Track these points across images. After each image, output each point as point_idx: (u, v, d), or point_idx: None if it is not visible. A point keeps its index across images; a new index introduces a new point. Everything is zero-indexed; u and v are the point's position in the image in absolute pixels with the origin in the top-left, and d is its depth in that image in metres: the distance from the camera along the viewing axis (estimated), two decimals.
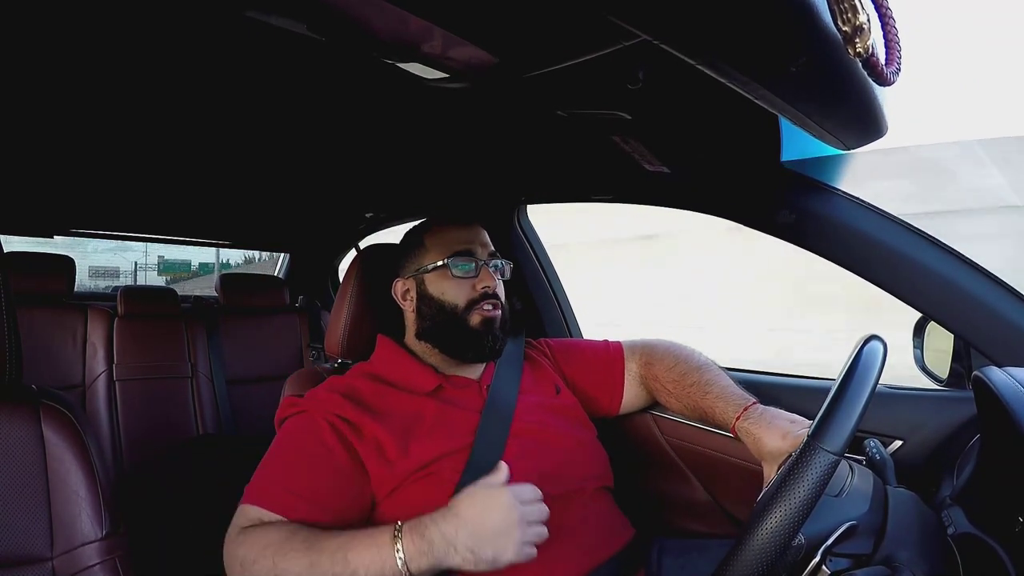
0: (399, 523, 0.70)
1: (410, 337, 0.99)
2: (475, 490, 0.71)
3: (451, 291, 0.94)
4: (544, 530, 0.70)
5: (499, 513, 0.68)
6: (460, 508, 0.70)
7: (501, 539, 0.67)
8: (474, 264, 0.95)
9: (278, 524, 0.74)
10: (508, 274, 1.00)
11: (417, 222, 1.05)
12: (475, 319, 0.93)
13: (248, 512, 0.76)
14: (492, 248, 0.99)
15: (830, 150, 0.91)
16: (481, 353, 0.94)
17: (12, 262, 1.76)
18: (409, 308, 0.99)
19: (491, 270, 0.95)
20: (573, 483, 0.88)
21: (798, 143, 0.87)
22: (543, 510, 0.71)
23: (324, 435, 0.81)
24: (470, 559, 0.67)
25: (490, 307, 0.94)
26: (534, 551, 0.68)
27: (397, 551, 0.67)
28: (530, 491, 0.71)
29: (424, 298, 0.96)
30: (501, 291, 0.97)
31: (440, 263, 0.95)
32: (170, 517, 1.63)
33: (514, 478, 0.84)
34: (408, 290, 0.99)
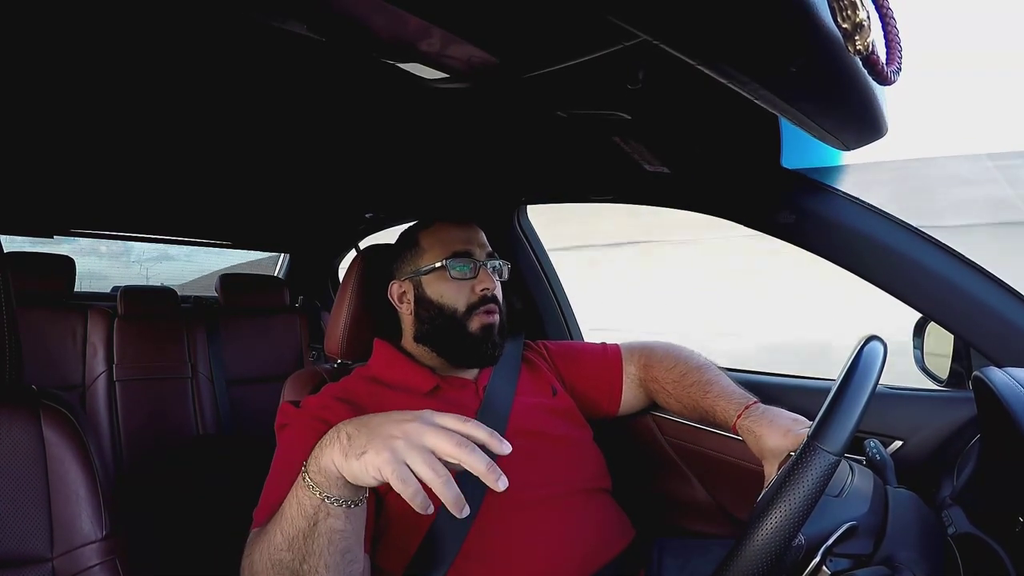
0: None
1: (408, 340, 0.98)
2: None
3: (450, 293, 0.93)
4: (438, 476, 0.51)
5: (400, 415, 0.56)
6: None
7: (379, 435, 0.54)
8: (472, 265, 0.94)
9: (258, 529, 0.71)
10: (506, 275, 0.99)
11: (412, 223, 1.05)
12: (474, 325, 0.92)
13: (252, 535, 0.73)
14: (489, 248, 0.98)
15: (828, 162, 0.91)
16: (480, 359, 0.93)
17: (12, 262, 1.76)
18: (407, 311, 0.97)
19: (489, 271, 0.95)
20: (570, 484, 0.88)
21: (797, 154, 0.87)
22: (461, 449, 0.52)
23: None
24: (344, 444, 0.56)
25: (490, 311, 0.93)
26: (412, 485, 0.51)
27: (304, 463, 0.60)
28: (456, 420, 0.54)
29: (422, 301, 0.95)
30: (499, 293, 0.96)
31: (438, 264, 0.93)
32: (170, 517, 1.63)
33: (510, 478, 0.84)
34: (405, 292, 0.97)
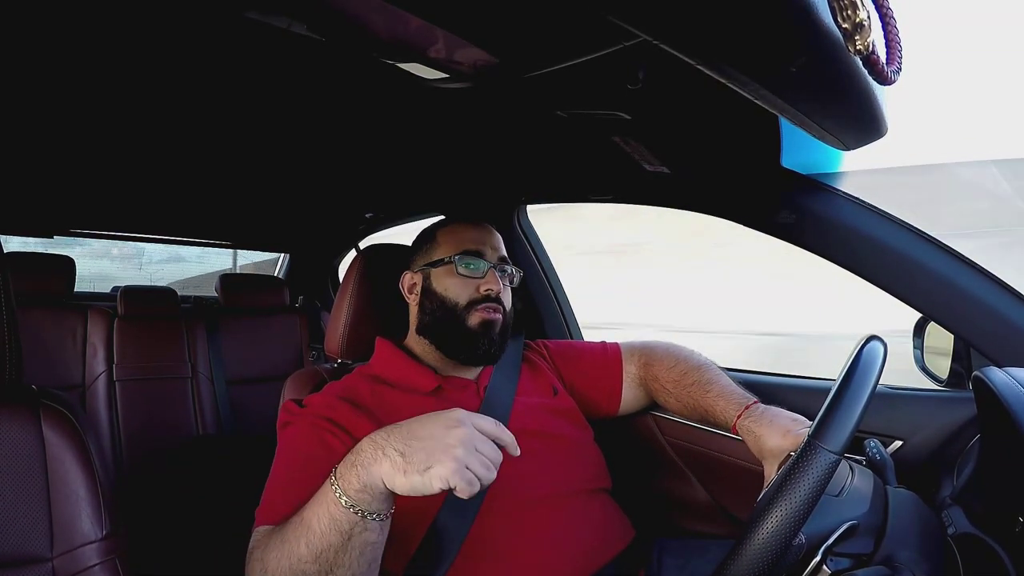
0: None
1: (411, 334, 1.00)
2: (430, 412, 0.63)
3: (454, 288, 0.94)
4: (493, 475, 0.58)
5: (443, 422, 0.60)
6: (402, 422, 0.62)
7: (438, 447, 0.57)
8: (482, 265, 0.94)
9: (268, 531, 0.71)
10: (516, 282, 1.00)
11: (429, 220, 1.06)
12: (474, 319, 0.92)
13: (258, 533, 0.73)
14: (503, 254, 0.99)
15: (827, 167, 0.91)
16: (476, 355, 0.93)
17: (12, 262, 1.76)
18: (413, 302, 0.99)
19: (499, 274, 0.95)
20: (571, 484, 0.88)
21: (797, 154, 0.87)
22: (497, 452, 0.60)
23: (324, 437, 0.80)
24: (399, 462, 0.57)
25: (491, 309, 0.93)
26: (475, 486, 0.56)
27: (332, 478, 0.62)
28: (491, 424, 0.61)
29: (428, 292, 0.96)
30: (507, 297, 0.97)
31: (447, 259, 0.95)
32: (170, 517, 1.63)
33: (511, 478, 0.84)
34: (415, 284, 0.99)
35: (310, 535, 0.62)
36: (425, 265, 0.97)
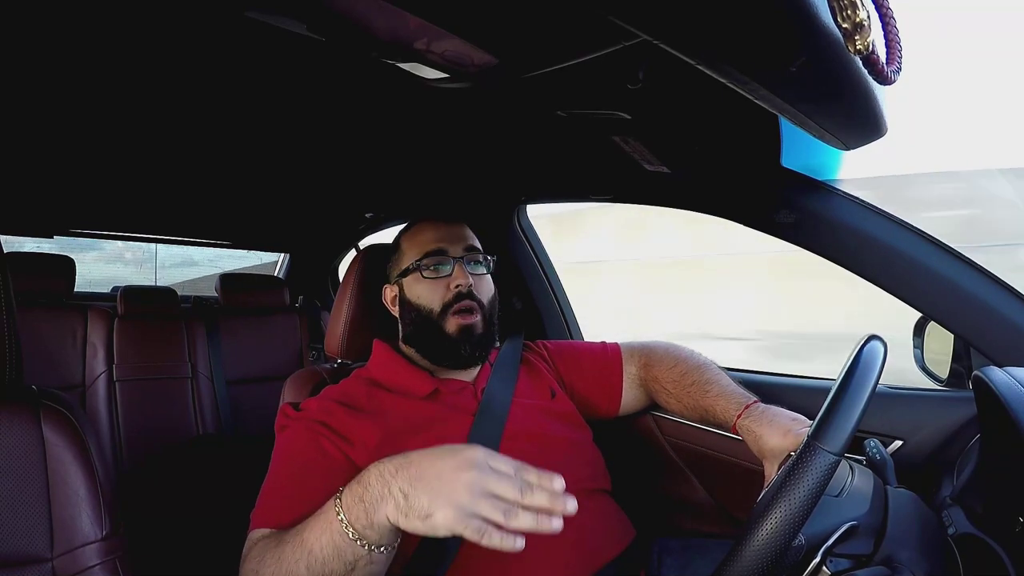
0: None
1: (402, 342, 0.99)
2: (447, 445, 0.60)
3: (425, 294, 0.93)
4: (516, 521, 0.55)
5: (452, 462, 0.56)
6: (414, 453, 0.60)
7: (442, 491, 0.54)
8: (447, 263, 0.93)
9: (263, 535, 0.71)
10: (491, 268, 0.98)
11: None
12: (451, 326, 0.91)
13: (253, 536, 0.73)
14: (471, 243, 0.97)
15: (828, 161, 0.91)
16: (458, 360, 0.92)
17: (12, 262, 1.76)
18: (396, 313, 0.99)
19: (467, 266, 0.94)
20: (569, 485, 0.88)
21: (797, 154, 0.87)
22: (517, 494, 0.55)
23: (321, 443, 0.80)
24: (402, 505, 0.56)
25: (466, 311, 0.92)
26: (493, 539, 0.54)
27: (336, 507, 0.60)
28: (508, 464, 0.57)
29: (404, 303, 0.96)
30: (484, 289, 0.96)
31: (412, 265, 0.94)
32: (170, 517, 1.63)
33: None
34: (395, 295, 0.99)
35: (311, 559, 0.61)
36: (398, 276, 0.97)
